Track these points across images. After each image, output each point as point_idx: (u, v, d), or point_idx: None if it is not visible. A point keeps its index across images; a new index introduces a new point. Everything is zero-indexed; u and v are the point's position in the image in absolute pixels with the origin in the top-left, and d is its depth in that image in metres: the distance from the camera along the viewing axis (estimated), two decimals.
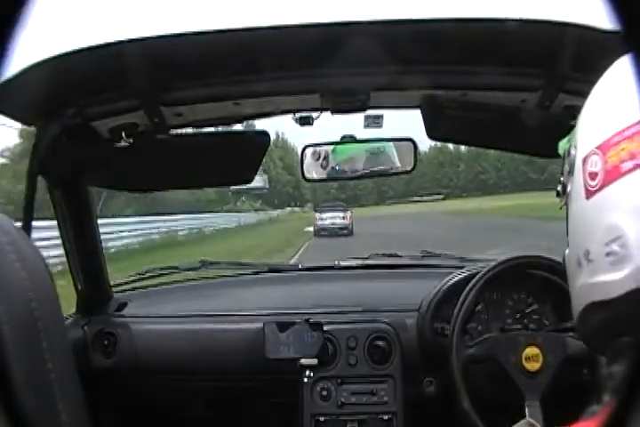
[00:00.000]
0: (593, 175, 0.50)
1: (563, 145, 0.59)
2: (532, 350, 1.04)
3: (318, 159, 1.31)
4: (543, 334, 1.07)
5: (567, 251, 0.56)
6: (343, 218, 19.80)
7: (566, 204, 0.56)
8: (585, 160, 0.51)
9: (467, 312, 1.23)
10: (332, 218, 19.77)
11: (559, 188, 0.58)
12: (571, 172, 0.54)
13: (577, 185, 0.52)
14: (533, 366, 1.03)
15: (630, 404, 0.36)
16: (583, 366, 1.01)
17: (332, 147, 1.31)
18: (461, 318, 1.23)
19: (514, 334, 1.21)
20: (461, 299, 1.24)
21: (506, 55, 1.05)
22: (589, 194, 0.50)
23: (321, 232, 18.91)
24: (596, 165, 0.49)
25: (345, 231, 18.68)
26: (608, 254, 0.47)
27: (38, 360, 0.38)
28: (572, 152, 0.54)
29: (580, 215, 0.52)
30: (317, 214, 20.66)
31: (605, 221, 0.48)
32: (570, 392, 0.95)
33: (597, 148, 0.50)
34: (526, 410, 1.01)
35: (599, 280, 0.49)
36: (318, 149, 1.31)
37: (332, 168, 1.31)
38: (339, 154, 1.31)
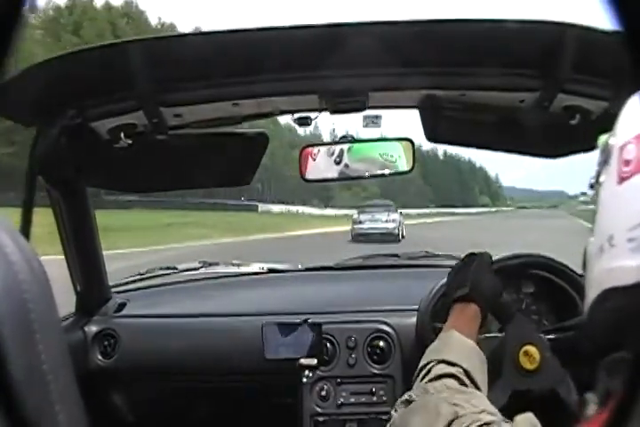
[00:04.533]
0: (627, 162, 0.51)
1: (602, 138, 0.60)
2: (533, 350, 1.04)
3: (332, 155, 1.30)
4: (550, 353, 1.05)
5: (591, 239, 0.57)
6: (386, 221, 16.11)
7: (597, 194, 0.57)
8: (622, 148, 0.53)
9: None
10: (371, 221, 16.06)
11: (592, 179, 0.59)
12: (607, 161, 0.56)
13: (611, 172, 0.54)
14: (526, 363, 1.03)
15: (631, 407, 0.36)
16: (582, 369, 1.00)
17: (347, 146, 1.31)
18: None
19: (529, 323, 1.20)
20: None
21: (505, 56, 1.05)
22: (622, 179, 0.51)
23: (359, 238, 15.33)
24: (631, 153, 0.51)
25: (389, 237, 14.96)
26: (630, 240, 0.48)
27: (35, 361, 0.38)
28: (611, 142, 0.56)
29: (609, 200, 0.54)
30: (355, 216, 17.05)
31: (633, 207, 0.49)
32: (562, 399, 0.95)
33: (634, 137, 0.51)
34: (491, 390, 0.99)
35: (617, 265, 0.49)
36: (333, 147, 1.31)
37: (346, 165, 1.30)
38: (354, 154, 1.31)
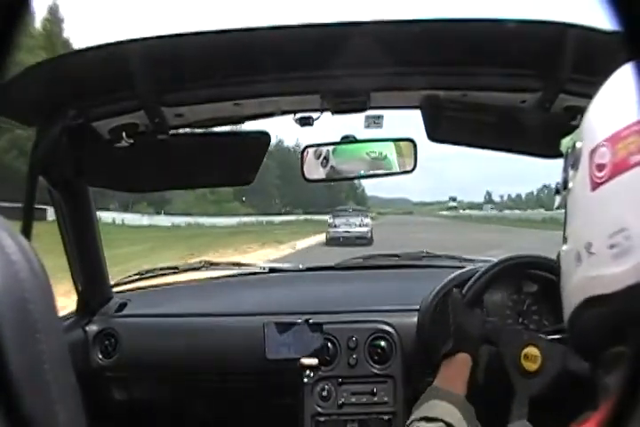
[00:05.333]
0: (600, 167, 0.49)
1: (566, 142, 0.58)
2: (532, 351, 1.04)
3: (319, 158, 1.31)
4: (546, 341, 1.06)
5: (565, 247, 0.55)
6: (360, 225, 17.34)
7: (565, 200, 0.56)
8: (593, 152, 0.51)
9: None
10: (346, 225, 17.30)
11: (558, 185, 0.58)
12: (575, 166, 0.54)
13: (582, 178, 0.52)
14: (531, 366, 1.03)
15: (629, 406, 0.36)
16: (580, 376, 1.01)
17: (333, 147, 1.31)
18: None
19: (518, 329, 1.21)
20: None
21: (506, 56, 1.05)
22: (595, 185, 0.49)
23: (333, 242, 16.24)
24: (604, 156, 0.49)
25: (363, 241, 15.86)
26: (611, 247, 0.47)
27: (35, 361, 0.38)
28: (578, 146, 0.54)
29: (583, 208, 0.52)
30: (330, 220, 18.18)
31: (611, 213, 0.47)
32: (564, 398, 0.95)
33: (606, 140, 0.49)
34: (513, 408, 1.01)
35: (600, 273, 0.48)
36: (320, 148, 1.31)
37: (332, 167, 1.31)
38: (339, 154, 1.31)
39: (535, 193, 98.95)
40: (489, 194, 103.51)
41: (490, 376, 1.10)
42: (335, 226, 17.57)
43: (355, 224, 17.44)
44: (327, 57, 1.03)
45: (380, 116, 1.30)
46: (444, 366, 1.09)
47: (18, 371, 0.36)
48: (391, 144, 1.30)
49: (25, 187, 1.20)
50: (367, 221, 17.83)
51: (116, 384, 1.52)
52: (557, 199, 0.58)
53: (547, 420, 0.72)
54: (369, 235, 16.84)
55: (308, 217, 42.27)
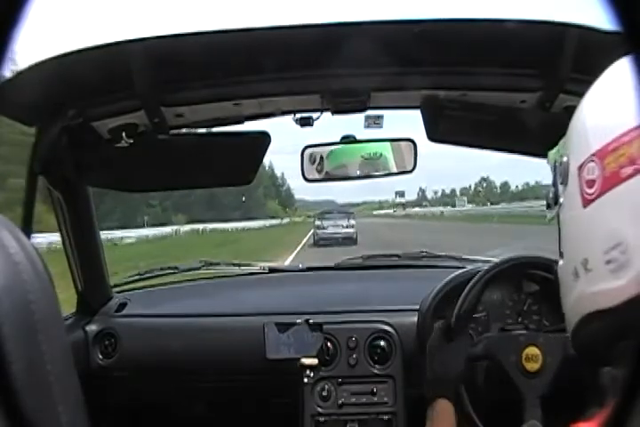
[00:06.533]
0: (590, 183, 0.48)
1: (552, 155, 0.58)
2: (532, 351, 1.04)
3: (314, 163, 1.31)
4: (543, 335, 1.07)
5: (561, 262, 0.55)
6: (347, 226, 18.35)
7: (558, 215, 0.56)
8: (581, 168, 0.50)
9: (466, 312, 1.23)
10: (334, 226, 18.35)
11: (549, 200, 0.58)
12: (564, 182, 0.53)
13: (572, 194, 0.51)
14: (533, 366, 1.03)
15: (631, 404, 0.36)
16: (584, 368, 1.01)
17: (327, 151, 1.31)
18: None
19: (514, 333, 1.21)
20: (461, 299, 1.24)
21: (506, 56, 1.05)
22: (587, 202, 0.49)
23: (320, 242, 17.28)
24: (593, 172, 0.48)
25: (349, 241, 16.72)
26: (608, 262, 0.46)
27: (38, 362, 0.38)
28: (565, 160, 0.53)
29: (576, 225, 0.51)
30: (318, 222, 19.26)
31: (605, 229, 0.47)
32: (570, 394, 0.95)
33: (594, 155, 0.48)
34: (525, 411, 1.01)
35: (599, 289, 0.48)
36: (315, 152, 1.31)
37: (327, 173, 1.32)
38: (333, 159, 1.31)
39: (473, 188, 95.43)
40: (422, 191, 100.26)
41: (492, 386, 1.10)
42: (323, 227, 18.52)
43: (342, 226, 18.41)
44: (327, 57, 1.03)
45: (380, 116, 1.30)
46: (428, 418, 1.11)
47: (20, 371, 0.36)
48: (388, 146, 1.30)
49: (25, 187, 1.20)
50: (353, 222, 18.75)
51: (116, 384, 1.51)
52: (549, 214, 0.58)
53: (551, 419, 0.72)
54: (354, 236, 17.68)
55: (197, 227, 26.88)
